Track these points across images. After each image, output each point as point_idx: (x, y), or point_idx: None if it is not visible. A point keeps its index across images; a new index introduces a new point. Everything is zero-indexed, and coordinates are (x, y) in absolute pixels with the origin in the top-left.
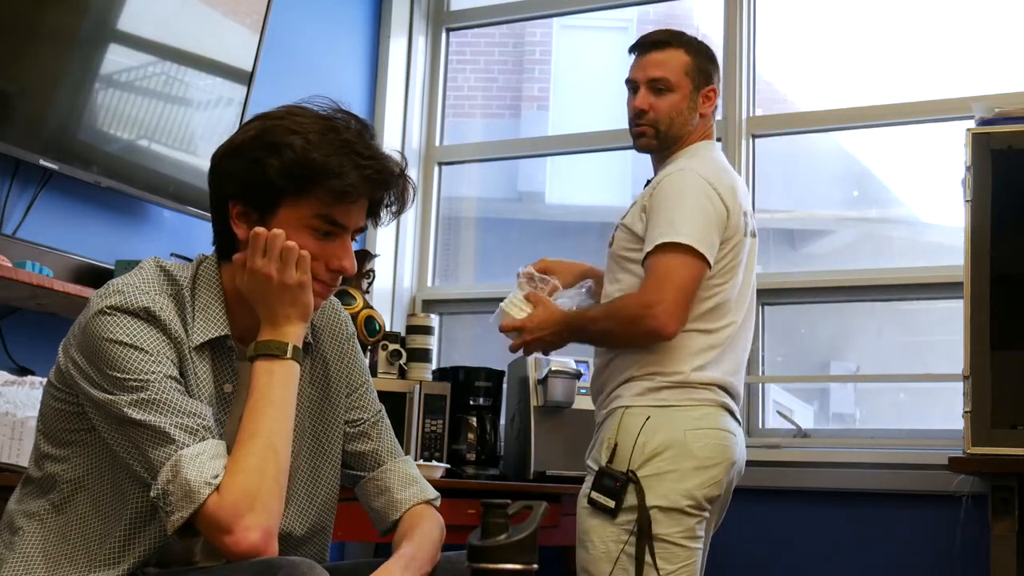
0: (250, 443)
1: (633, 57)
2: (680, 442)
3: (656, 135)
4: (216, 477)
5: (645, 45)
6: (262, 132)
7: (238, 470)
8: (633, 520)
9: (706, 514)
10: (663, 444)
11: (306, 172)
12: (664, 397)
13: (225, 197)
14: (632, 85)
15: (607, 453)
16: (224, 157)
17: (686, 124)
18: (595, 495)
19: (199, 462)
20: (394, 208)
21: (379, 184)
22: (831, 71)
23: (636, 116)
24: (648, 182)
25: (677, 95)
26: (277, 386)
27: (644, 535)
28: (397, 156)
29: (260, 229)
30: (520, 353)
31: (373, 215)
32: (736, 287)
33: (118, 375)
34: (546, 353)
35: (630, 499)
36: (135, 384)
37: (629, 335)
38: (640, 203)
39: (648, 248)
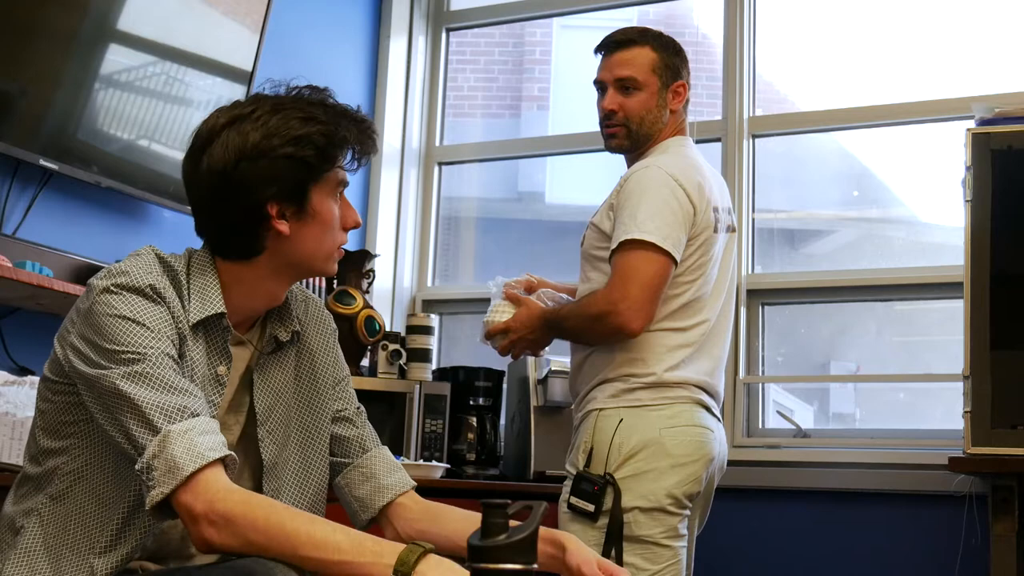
0: (291, 522)
1: (600, 57)
2: (656, 441)
3: (627, 135)
4: (210, 450)
5: (611, 44)
6: (274, 130)
7: (243, 518)
8: (618, 523)
9: (687, 512)
10: (639, 444)
11: (335, 151)
12: (638, 397)
13: (260, 201)
14: (600, 86)
15: (584, 457)
16: (242, 164)
17: (656, 122)
18: (574, 500)
19: (187, 438)
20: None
21: (374, 137)
22: (831, 71)
23: (606, 117)
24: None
25: (645, 93)
26: (346, 559)
27: (613, 537)
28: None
29: None
30: (511, 357)
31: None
32: (709, 284)
33: (116, 348)
34: (535, 354)
35: (608, 502)
36: (131, 356)
37: (595, 332)
38: (608, 201)
39: (613, 245)
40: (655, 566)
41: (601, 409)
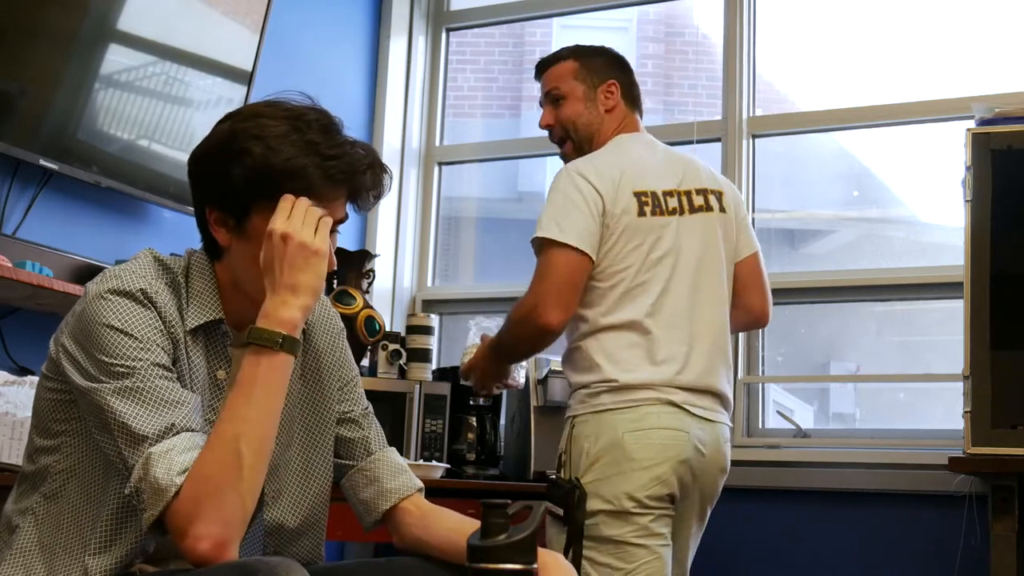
0: (214, 447)
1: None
2: (618, 445)
3: (572, 145)
4: (184, 471)
5: (539, 67)
6: (228, 137)
7: (195, 476)
8: (578, 525)
9: (660, 511)
10: (603, 449)
11: (267, 179)
12: (602, 402)
13: (202, 202)
14: (541, 106)
15: (557, 463)
16: (197, 162)
17: (591, 123)
18: (549, 505)
19: (168, 459)
20: (373, 194)
21: (344, 182)
22: (831, 71)
23: (549, 135)
24: None
25: (571, 99)
26: (260, 382)
27: (574, 539)
28: (365, 148)
29: (289, 195)
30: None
31: (353, 204)
32: (651, 271)
33: (105, 359)
34: (503, 383)
35: (576, 505)
36: (121, 370)
37: (524, 338)
38: None
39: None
40: (629, 565)
41: (574, 416)
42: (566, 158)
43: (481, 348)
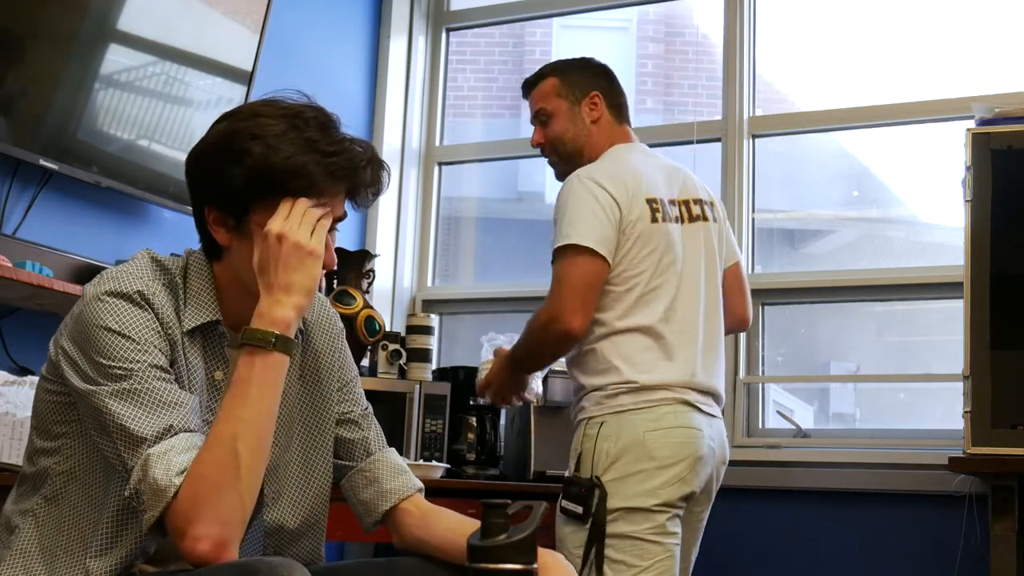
0: (212, 448)
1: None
2: (639, 444)
3: (561, 159)
4: (183, 472)
5: (524, 88)
6: (226, 137)
7: (193, 476)
8: (600, 523)
9: (676, 510)
10: (624, 448)
11: (268, 178)
12: (620, 403)
13: (201, 202)
14: (532, 124)
15: (573, 463)
16: (195, 163)
17: (579, 136)
18: (565, 503)
19: (167, 459)
20: (372, 191)
21: (345, 178)
22: (831, 71)
23: (540, 153)
24: None
25: (557, 117)
26: (255, 381)
27: (595, 536)
28: (363, 145)
29: (288, 198)
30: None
31: (352, 201)
32: (664, 275)
33: (103, 361)
34: (521, 396)
35: (595, 504)
36: (119, 372)
37: (545, 345)
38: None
39: (551, 259)
40: (644, 562)
41: (590, 417)
42: (562, 175)
43: (497, 362)
